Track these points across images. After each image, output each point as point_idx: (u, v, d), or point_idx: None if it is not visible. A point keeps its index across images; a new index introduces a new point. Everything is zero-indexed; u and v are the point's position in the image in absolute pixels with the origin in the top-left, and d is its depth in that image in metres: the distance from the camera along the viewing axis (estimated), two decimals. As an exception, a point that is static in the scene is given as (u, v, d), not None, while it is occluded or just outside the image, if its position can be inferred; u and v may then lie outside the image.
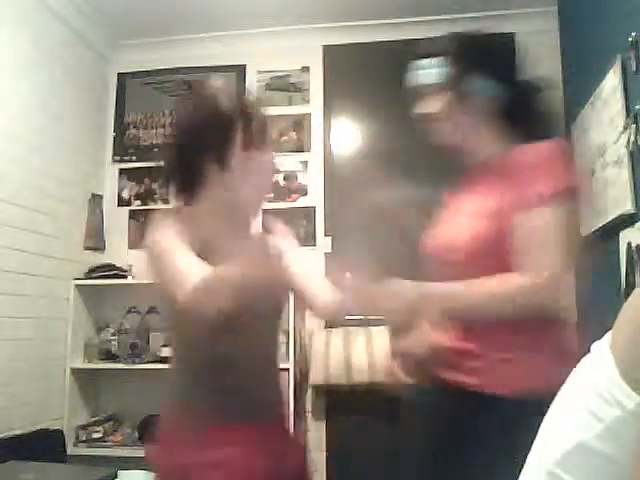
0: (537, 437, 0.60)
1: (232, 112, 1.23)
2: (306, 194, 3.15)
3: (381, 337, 2.79)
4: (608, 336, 0.54)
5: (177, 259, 1.12)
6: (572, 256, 1.14)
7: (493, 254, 1.15)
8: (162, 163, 1.33)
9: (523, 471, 0.61)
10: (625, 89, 1.85)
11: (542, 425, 0.60)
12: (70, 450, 2.71)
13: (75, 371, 2.86)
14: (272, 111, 3.30)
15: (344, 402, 2.90)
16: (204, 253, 1.15)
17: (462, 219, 1.23)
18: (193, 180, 1.25)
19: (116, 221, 3.26)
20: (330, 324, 2.94)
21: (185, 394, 1.23)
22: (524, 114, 1.23)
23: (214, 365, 1.20)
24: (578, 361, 0.56)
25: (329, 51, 3.27)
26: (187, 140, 1.26)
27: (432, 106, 1.27)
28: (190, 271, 1.09)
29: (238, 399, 1.20)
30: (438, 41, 1.29)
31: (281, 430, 1.32)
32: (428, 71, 1.27)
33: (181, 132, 1.31)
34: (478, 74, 1.22)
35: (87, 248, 3.09)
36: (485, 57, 1.25)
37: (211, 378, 1.20)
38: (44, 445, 2.45)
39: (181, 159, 1.26)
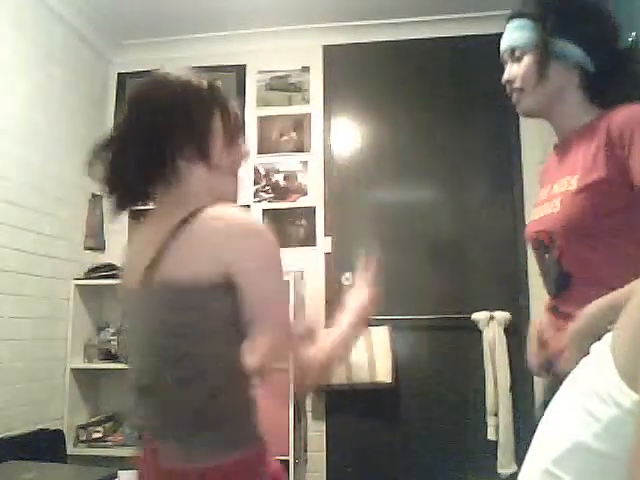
0: (535, 436, 0.60)
1: (210, 96, 1.07)
2: (306, 194, 3.15)
3: (381, 337, 2.79)
4: (608, 337, 0.54)
5: None
6: None
7: (595, 231, 1.09)
8: (113, 152, 1.04)
9: (521, 469, 0.61)
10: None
11: (540, 424, 0.61)
12: (70, 450, 2.70)
13: (75, 371, 2.86)
14: (272, 111, 3.34)
15: (344, 402, 2.91)
16: None
17: (556, 200, 1.17)
18: (161, 173, 1.02)
19: (116, 221, 3.25)
20: (330, 324, 2.93)
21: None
22: (616, 84, 1.16)
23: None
24: None
25: (329, 51, 3.27)
26: (157, 124, 1.02)
27: (516, 71, 1.23)
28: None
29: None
30: (527, 1, 1.23)
31: None
32: (516, 33, 1.22)
33: (152, 114, 1.03)
34: (566, 39, 1.16)
35: (87, 248, 3.09)
36: (575, 22, 1.18)
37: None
38: (44, 445, 2.45)
39: (150, 147, 1.01)
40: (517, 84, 1.23)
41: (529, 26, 1.20)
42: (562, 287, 1.17)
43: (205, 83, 1.07)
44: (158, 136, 1.01)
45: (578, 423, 0.52)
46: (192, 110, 1.03)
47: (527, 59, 1.20)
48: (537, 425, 0.62)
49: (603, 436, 0.49)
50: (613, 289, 0.92)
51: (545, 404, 1.13)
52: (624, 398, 0.48)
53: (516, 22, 1.22)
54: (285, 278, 1.05)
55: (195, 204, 0.98)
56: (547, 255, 1.19)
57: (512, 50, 1.23)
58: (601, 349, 0.54)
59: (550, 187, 1.22)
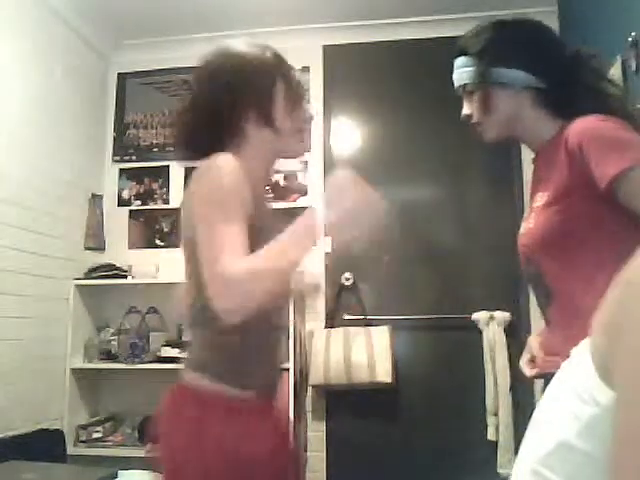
0: (524, 439, 0.62)
1: (273, 65, 1.18)
2: (306, 194, 3.15)
3: (381, 337, 2.79)
4: (588, 339, 0.55)
5: (232, 231, 0.98)
6: None
7: (569, 245, 1.10)
8: (185, 116, 1.18)
9: (513, 470, 0.63)
10: (625, 89, 1.85)
11: (528, 427, 0.63)
12: (70, 450, 2.71)
13: (75, 371, 2.86)
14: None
15: (344, 402, 2.91)
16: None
17: (532, 216, 1.20)
18: (228, 134, 1.14)
19: (116, 221, 3.26)
20: (330, 324, 2.94)
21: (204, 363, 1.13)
22: (571, 94, 1.17)
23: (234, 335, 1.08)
24: None
25: (329, 51, 3.27)
26: (225, 92, 1.13)
27: (469, 107, 1.26)
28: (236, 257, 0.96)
29: (257, 371, 1.16)
30: (466, 37, 1.25)
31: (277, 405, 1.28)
32: (459, 71, 1.25)
33: (219, 82, 1.15)
34: (507, 66, 1.18)
35: (87, 248, 3.09)
36: (512, 47, 1.20)
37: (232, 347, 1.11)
38: (44, 445, 2.45)
39: (217, 112, 1.13)
40: (474, 119, 1.26)
41: (470, 62, 1.22)
42: (546, 303, 1.19)
43: (269, 53, 1.18)
44: (223, 102, 1.13)
45: (562, 423, 0.53)
46: (254, 78, 1.14)
47: (476, 95, 1.23)
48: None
49: (585, 434, 0.50)
50: (586, 307, 0.95)
51: None
52: (601, 396, 0.49)
53: (459, 60, 1.25)
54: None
55: (258, 162, 1.14)
56: (532, 269, 1.22)
57: (463, 87, 1.26)
58: (581, 351, 0.54)
59: (530, 202, 1.26)
